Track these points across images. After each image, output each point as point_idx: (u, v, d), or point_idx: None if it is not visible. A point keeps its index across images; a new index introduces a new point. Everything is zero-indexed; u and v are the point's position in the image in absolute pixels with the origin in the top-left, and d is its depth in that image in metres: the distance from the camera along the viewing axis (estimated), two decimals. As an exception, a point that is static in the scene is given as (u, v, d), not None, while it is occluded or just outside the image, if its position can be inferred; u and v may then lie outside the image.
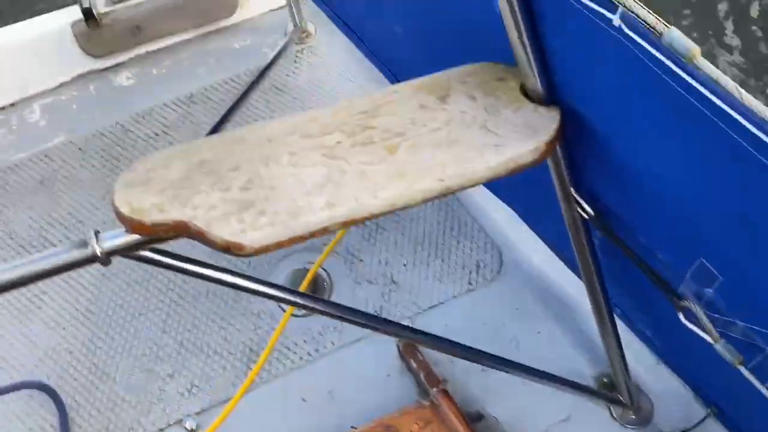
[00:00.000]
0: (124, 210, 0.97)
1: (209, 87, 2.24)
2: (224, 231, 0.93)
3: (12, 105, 2.24)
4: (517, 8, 1.00)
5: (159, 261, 1.05)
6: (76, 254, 0.98)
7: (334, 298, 1.83)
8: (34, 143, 2.16)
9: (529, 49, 1.04)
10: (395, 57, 1.73)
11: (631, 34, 0.79)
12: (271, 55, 2.28)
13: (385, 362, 1.72)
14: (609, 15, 0.80)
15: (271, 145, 1.05)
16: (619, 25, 0.80)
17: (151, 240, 1.00)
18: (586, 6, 0.83)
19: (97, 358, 1.79)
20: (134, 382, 1.75)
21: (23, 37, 2.20)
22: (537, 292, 1.80)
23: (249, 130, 1.09)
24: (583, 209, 1.22)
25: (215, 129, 1.72)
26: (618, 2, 0.80)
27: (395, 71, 1.77)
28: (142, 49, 2.30)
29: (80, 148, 2.14)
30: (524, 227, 1.75)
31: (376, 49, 1.88)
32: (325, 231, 0.96)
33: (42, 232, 1.99)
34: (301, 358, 1.75)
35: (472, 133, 1.05)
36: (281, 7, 2.39)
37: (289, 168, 1.02)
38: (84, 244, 0.98)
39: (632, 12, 0.78)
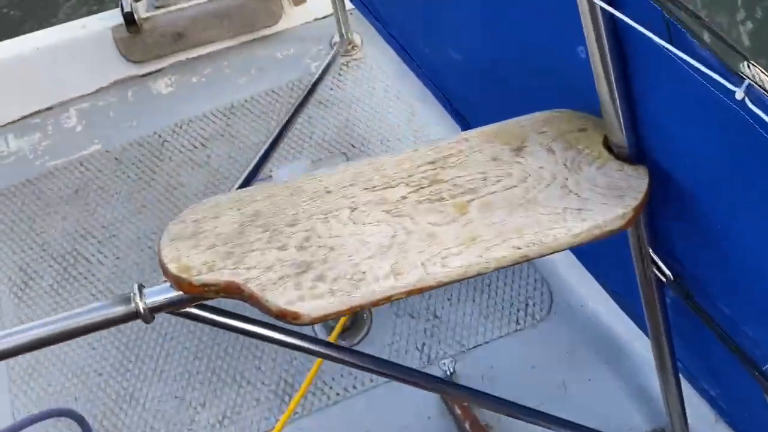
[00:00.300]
0: (172, 267, 0.89)
1: (250, 98, 2.16)
2: (280, 298, 0.85)
3: (49, 109, 2.19)
4: (609, 57, 0.90)
5: (204, 317, 0.97)
6: (119, 310, 0.91)
7: (373, 332, 1.75)
8: (69, 150, 2.10)
9: (618, 102, 0.94)
10: (450, 84, 1.63)
11: (757, 111, 0.69)
12: (314, 66, 2.21)
13: (426, 402, 1.64)
14: (731, 87, 0.70)
15: (330, 197, 0.97)
16: (743, 99, 0.70)
17: (198, 298, 0.92)
18: (702, 73, 0.73)
19: (127, 381, 1.73)
20: (164, 409, 1.69)
21: (62, 39, 2.14)
22: (589, 337, 1.70)
23: (306, 178, 1.00)
24: (661, 271, 1.12)
25: (263, 158, 1.63)
26: (744, 75, 0.70)
27: (450, 96, 1.67)
28: (182, 56, 2.23)
29: (116, 158, 2.08)
30: (578, 266, 1.64)
31: (428, 70, 1.78)
32: (388, 300, 0.88)
33: (75, 244, 1.93)
34: (337, 393, 1.67)
35: (551, 193, 0.95)
36: (326, 17, 2.30)
37: (350, 225, 0.93)
38: (127, 299, 0.91)
39: (763, 88, 0.68)
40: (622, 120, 0.96)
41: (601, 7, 0.84)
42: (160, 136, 2.11)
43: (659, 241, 1.10)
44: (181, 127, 2.12)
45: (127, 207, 1.99)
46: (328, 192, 0.98)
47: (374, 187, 0.98)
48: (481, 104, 1.47)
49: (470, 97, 1.53)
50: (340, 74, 2.20)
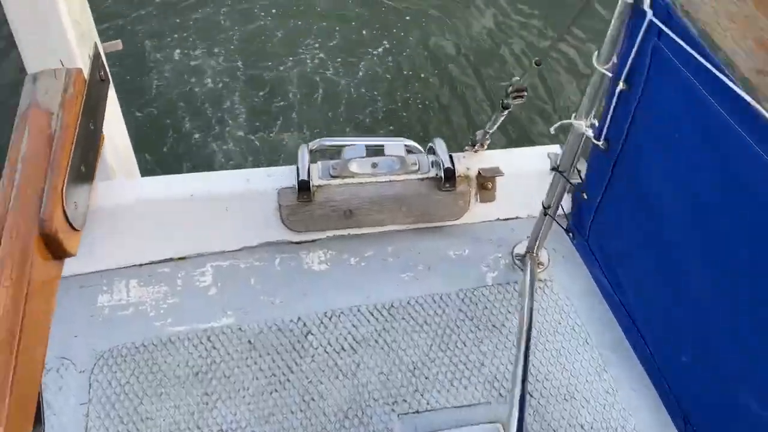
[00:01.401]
0: None
1: (413, 300, 1.85)
2: None
3: (182, 259, 1.90)
4: None
5: None
6: None
7: None
8: (197, 317, 1.80)
9: None
10: (683, 384, 1.31)
11: None
12: (490, 277, 1.91)
13: None
14: None
15: None
16: None
17: None
18: None
19: None
20: None
21: (221, 189, 1.87)
22: None
23: None
24: None
25: None
26: None
27: (674, 390, 1.35)
28: (344, 231, 1.95)
29: (250, 341, 1.76)
30: None
31: (653, 348, 1.47)
32: None
33: (183, 444, 1.59)
34: None
35: None
36: (509, 219, 2.03)
37: None
38: None
39: None
40: None
41: None
42: (305, 324, 1.80)
43: None
44: (330, 319, 1.81)
45: (253, 411, 1.65)
46: None
47: None
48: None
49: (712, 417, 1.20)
50: (520, 296, 1.89)
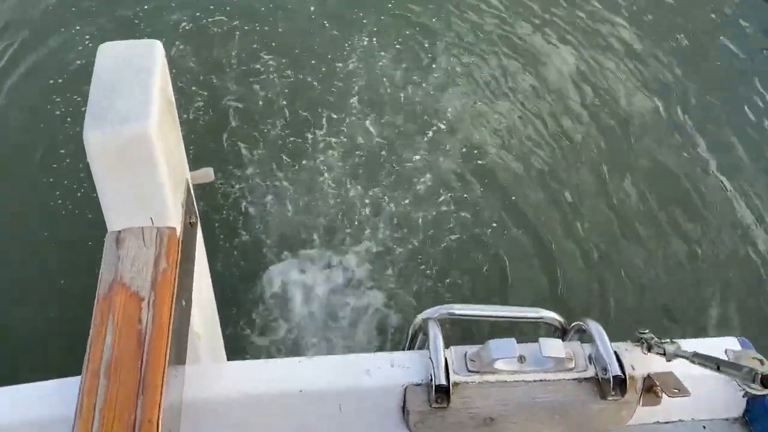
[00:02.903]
0: None
1: None
2: None
3: None
4: None
5: None
6: None
7: None
8: None
9: None
10: None
11: None
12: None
13: None
14: None
15: None
16: None
17: None
18: None
19: None
20: None
21: (335, 381, 1.52)
22: None
23: None
24: None
25: None
26: None
27: None
28: (478, 434, 1.60)
29: None
30: None
31: None
32: None
33: None
34: None
35: None
36: (672, 422, 1.68)
37: None
38: None
39: None
40: None
41: None
42: None
43: None
44: None
45: None
46: None
47: None
48: None
49: None
50: None
